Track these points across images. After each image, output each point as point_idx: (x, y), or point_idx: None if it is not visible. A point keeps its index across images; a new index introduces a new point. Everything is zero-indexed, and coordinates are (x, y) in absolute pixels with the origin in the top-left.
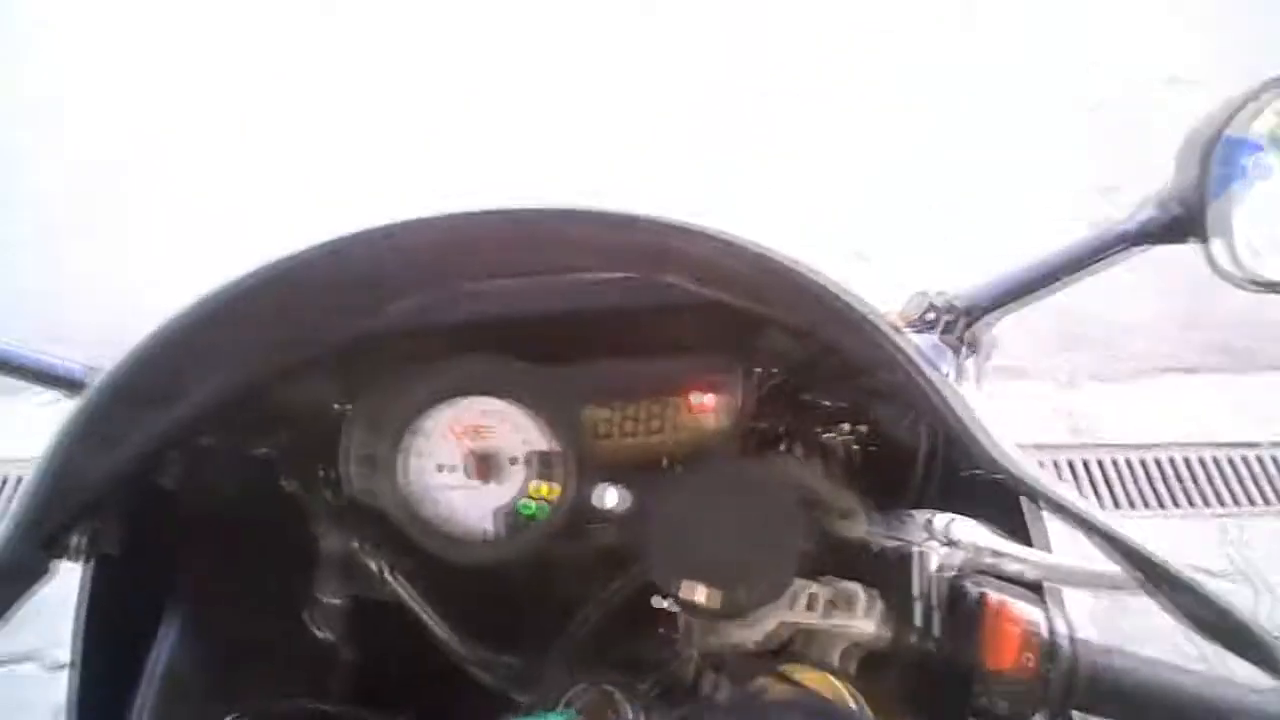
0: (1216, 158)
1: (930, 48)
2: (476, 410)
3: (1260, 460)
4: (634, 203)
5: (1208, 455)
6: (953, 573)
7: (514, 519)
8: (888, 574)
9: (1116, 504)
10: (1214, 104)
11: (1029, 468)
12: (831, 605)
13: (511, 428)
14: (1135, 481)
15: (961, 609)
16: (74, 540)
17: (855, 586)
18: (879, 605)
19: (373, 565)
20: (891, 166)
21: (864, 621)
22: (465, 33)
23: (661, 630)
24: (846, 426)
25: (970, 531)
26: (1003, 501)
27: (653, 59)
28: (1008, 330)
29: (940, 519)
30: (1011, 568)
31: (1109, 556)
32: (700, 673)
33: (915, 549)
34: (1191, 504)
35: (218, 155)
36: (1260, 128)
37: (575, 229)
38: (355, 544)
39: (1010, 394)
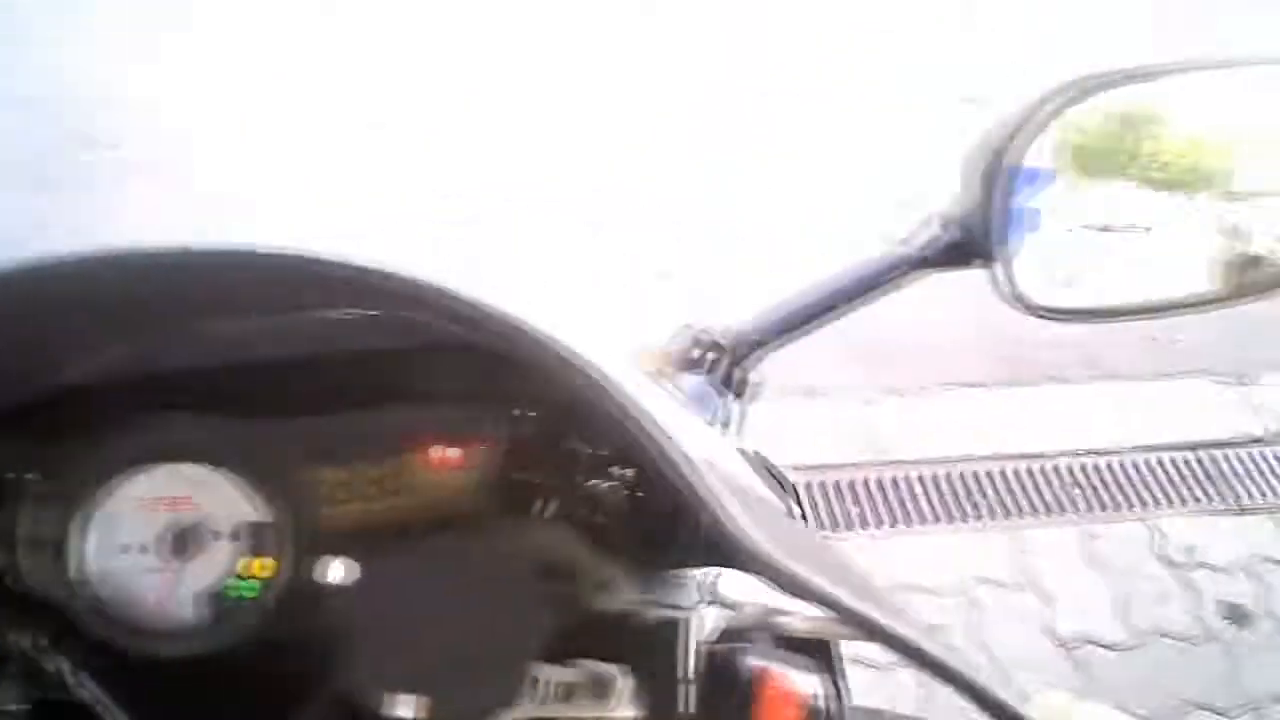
0: (999, 181)
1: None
2: (173, 478)
3: (1044, 471)
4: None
5: (995, 468)
6: (723, 640)
7: (220, 603)
8: (652, 650)
9: (910, 520)
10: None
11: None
12: (583, 693)
13: (216, 497)
14: (928, 496)
15: (732, 684)
16: None
17: (610, 669)
18: (641, 687)
19: (52, 666)
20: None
21: (623, 710)
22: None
23: None
24: (616, 472)
25: (744, 586)
26: None
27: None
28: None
29: (711, 575)
30: (788, 624)
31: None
32: None
33: (682, 617)
34: (980, 516)
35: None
36: (1040, 151)
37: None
38: (30, 642)
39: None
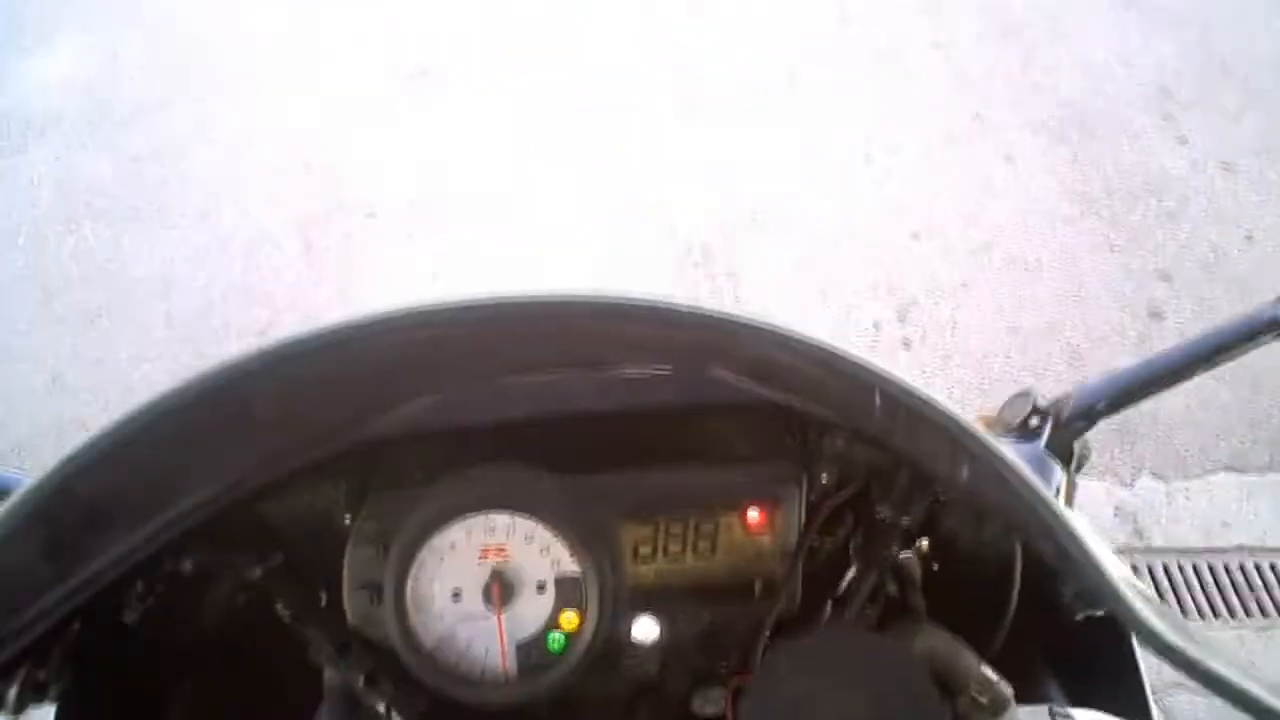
0: None
1: None
2: (498, 528)
3: None
4: (688, 292)
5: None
6: None
7: (538, 653)
8: None
9: (1184, 613)
10: None
11: (1144, 605)
12: None
13: (538, 549)
14: (1204, 589)
15: None
16: (11, 689)
17: None
18: None
19: (377, 705)
20: None
21: None
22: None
23: None
24: (924, 544)
25: None
26: (1106, 657)
27: None
28: None
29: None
30: None
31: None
32: None
33: None
34: (1265, 614)
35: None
36: None
37: (615, 322)
38: (359, 680)
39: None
